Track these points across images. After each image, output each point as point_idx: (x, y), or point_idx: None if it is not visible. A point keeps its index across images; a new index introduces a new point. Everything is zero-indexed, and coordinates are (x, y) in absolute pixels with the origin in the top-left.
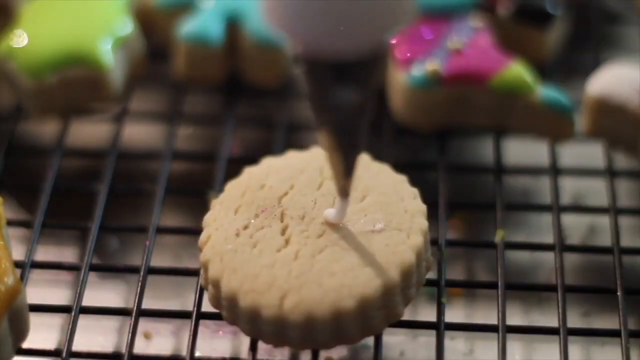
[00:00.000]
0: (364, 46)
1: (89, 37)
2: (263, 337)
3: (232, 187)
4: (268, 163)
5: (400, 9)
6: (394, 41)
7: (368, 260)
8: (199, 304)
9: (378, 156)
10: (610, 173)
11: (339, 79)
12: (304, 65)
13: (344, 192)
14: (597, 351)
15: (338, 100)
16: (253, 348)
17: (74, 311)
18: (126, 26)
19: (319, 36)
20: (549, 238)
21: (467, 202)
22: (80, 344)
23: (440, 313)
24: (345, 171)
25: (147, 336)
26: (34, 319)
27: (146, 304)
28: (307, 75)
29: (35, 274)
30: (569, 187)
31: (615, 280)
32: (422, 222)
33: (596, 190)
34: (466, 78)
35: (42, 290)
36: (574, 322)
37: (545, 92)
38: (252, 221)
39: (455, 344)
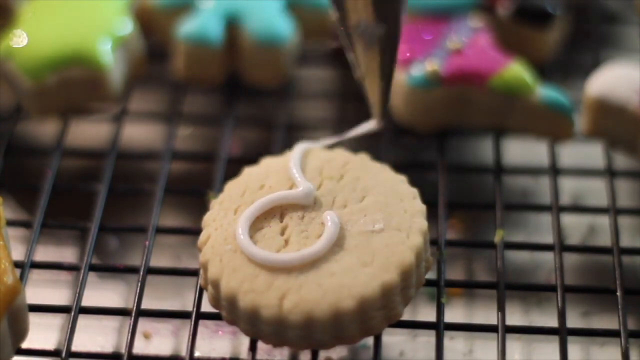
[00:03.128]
0: None
1: (89, 37)
2: (262, 337)
3: (232, 187)
4: (268, 163)
5: None
6: None
7: (368, 261)
8: (198, 304)
9: (378, 156)
10: (610, 173)
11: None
12: None
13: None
14: (596, 351)
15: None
16: (252, 348)
17: (73, 311)
18: (126, 26)
19: None
20: (548, 238)
21: (466, 202)
22: (79, 344)
23: (439, 313)
24: (381, 88)
25: (146, 336)
26: (34, 319)
27: (146, 304)
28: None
29: (35, 274)
30: (569, 187)
31: (615, 280)
32: (422, 222)
33: (596, 190)
34: (466, 78)
35: (41, 290)
36: (573, 322)
37: (544, 92)
38: (252, 221)
39: (454, 343)
